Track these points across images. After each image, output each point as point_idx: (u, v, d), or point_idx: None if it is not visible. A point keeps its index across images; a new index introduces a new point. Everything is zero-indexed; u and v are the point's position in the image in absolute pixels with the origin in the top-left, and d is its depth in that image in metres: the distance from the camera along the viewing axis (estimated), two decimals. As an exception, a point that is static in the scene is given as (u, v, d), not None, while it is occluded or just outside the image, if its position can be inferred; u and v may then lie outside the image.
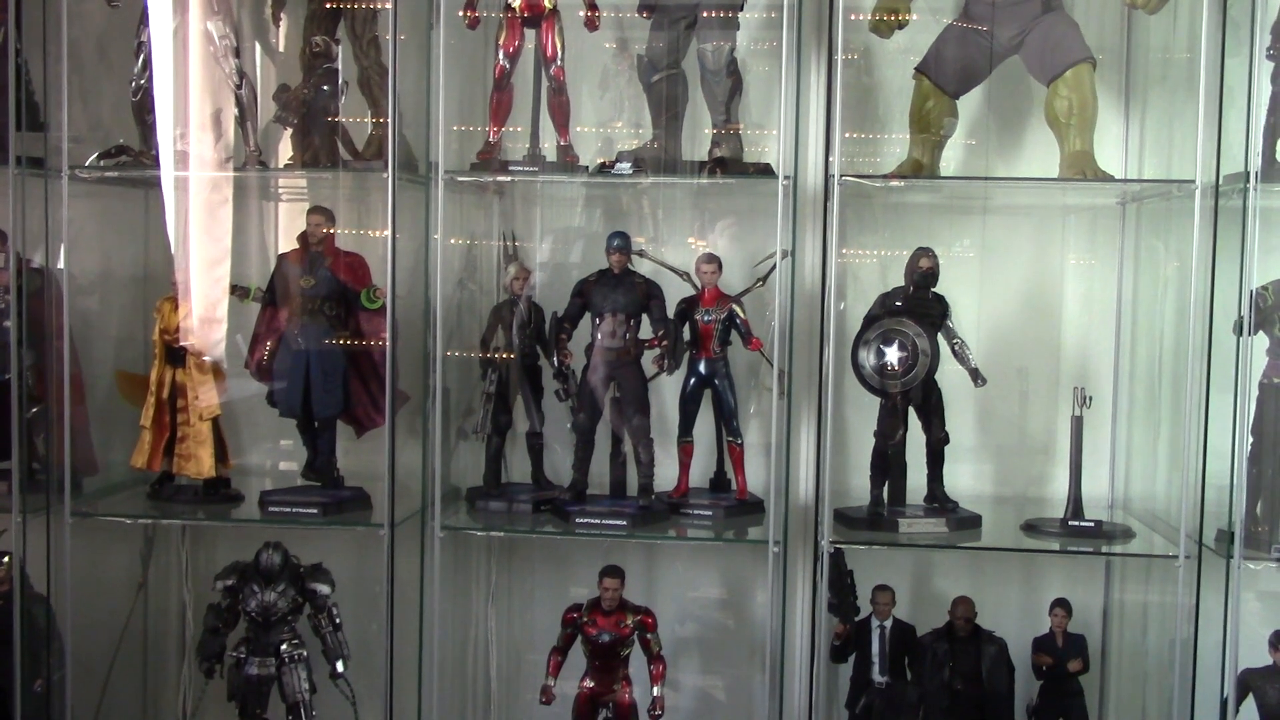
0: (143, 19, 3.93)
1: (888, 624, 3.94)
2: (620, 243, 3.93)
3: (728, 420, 4.03)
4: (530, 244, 4.34)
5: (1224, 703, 3.63)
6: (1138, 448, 4.17)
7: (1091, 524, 3.86)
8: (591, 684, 3.87)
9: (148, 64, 3.93)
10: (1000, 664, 3.84)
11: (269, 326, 3.96)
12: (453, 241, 4.04)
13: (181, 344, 3.92)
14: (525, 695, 4.03)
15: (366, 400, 3.94)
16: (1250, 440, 3.69)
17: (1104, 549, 3.89)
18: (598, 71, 4.24)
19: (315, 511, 3.83)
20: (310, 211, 3.92)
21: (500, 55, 3.93)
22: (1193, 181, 3.56)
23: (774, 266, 3.79)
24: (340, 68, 3.96)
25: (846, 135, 3.90)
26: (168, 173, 3.96)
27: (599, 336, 3.91)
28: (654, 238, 4.24)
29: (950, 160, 4.08)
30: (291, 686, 3.83)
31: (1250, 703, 3.72)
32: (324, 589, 3.87)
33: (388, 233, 3.71)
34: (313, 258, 3.92)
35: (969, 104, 4.07)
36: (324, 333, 3.90)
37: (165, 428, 3.97)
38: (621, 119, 4.23)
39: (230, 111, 3.97)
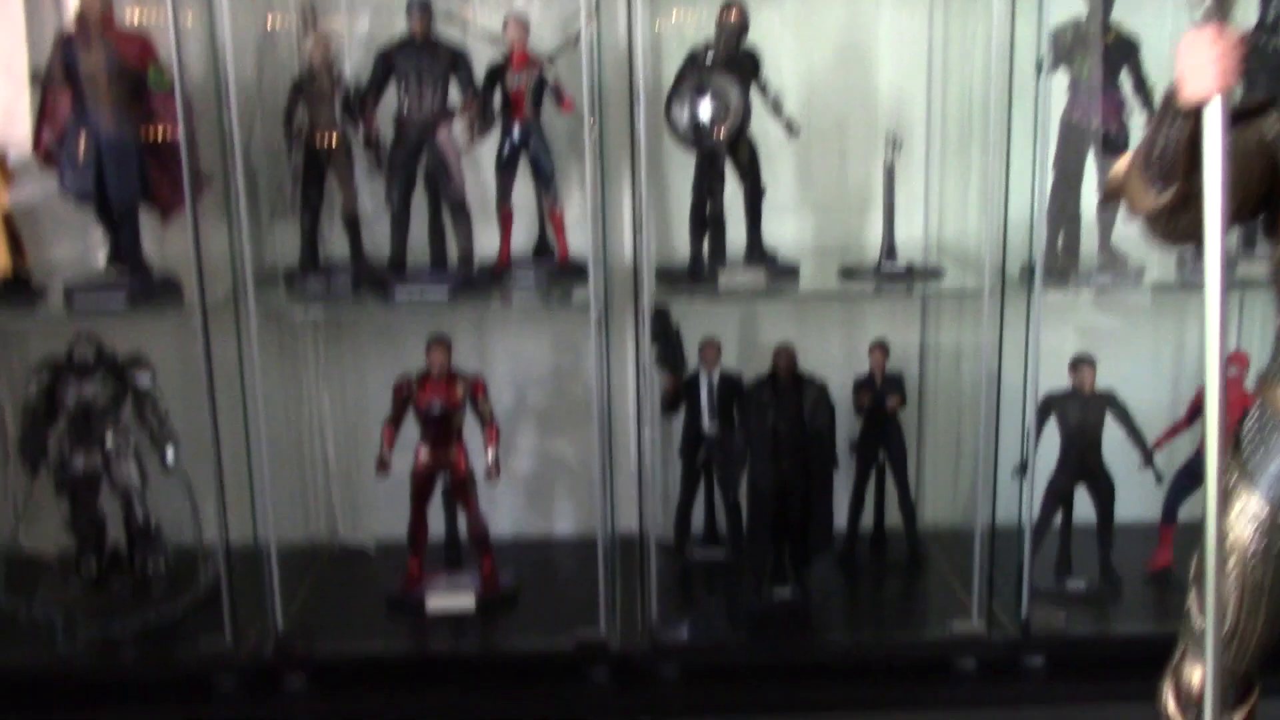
0: None
1: (715, 375, 4.06)
2: (422, 7, 3.78)
3: (545, 185, 3.99)
4: (335, 15, 4.13)
5: (1025, 427, 3.84)
6: (950, 191, 4.27)
7: (904, 266, 3.97)
8: (427, 454, 3.93)
9: None
10: (821, 406, 3.99)
11: (54, 112, 3.73)
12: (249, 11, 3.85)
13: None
14: (364, 470, 4.07)
15: (168, 184, 3.77)
16: (1051, 177, 3.81)
17: (916, 289, 4.02)
18: None
19: (123, 301, 3.71)
20: (85, -14, 3.67)
21: None
22: (991, -83, 3.54)
23: (582, 27, 3.69)
24: None
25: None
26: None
27: (406, 106, 3.80)
28: (462, 1, 4.09)
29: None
30: (120, 478, 3.80)
31: (1053, 424, 3.96)
32: (144, 378, 3.80)
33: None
34: (93, 37, 3.68)
35: None
36: (112, 116, 3.68)
37: (-50, 227, 3.78)
38: None
39: None
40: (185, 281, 3.71)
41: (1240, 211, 1.78)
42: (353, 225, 4.02)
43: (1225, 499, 1.79)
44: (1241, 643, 1.99)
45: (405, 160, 3.83)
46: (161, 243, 3.93)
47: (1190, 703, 2.09)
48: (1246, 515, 1.96)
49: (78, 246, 4.14)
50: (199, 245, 3.57)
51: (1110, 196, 1.89)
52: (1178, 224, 1.79)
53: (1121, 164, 1.85)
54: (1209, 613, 1.44)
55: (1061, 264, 3.88)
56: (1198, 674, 2.05)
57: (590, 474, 3.94)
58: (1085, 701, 3.67)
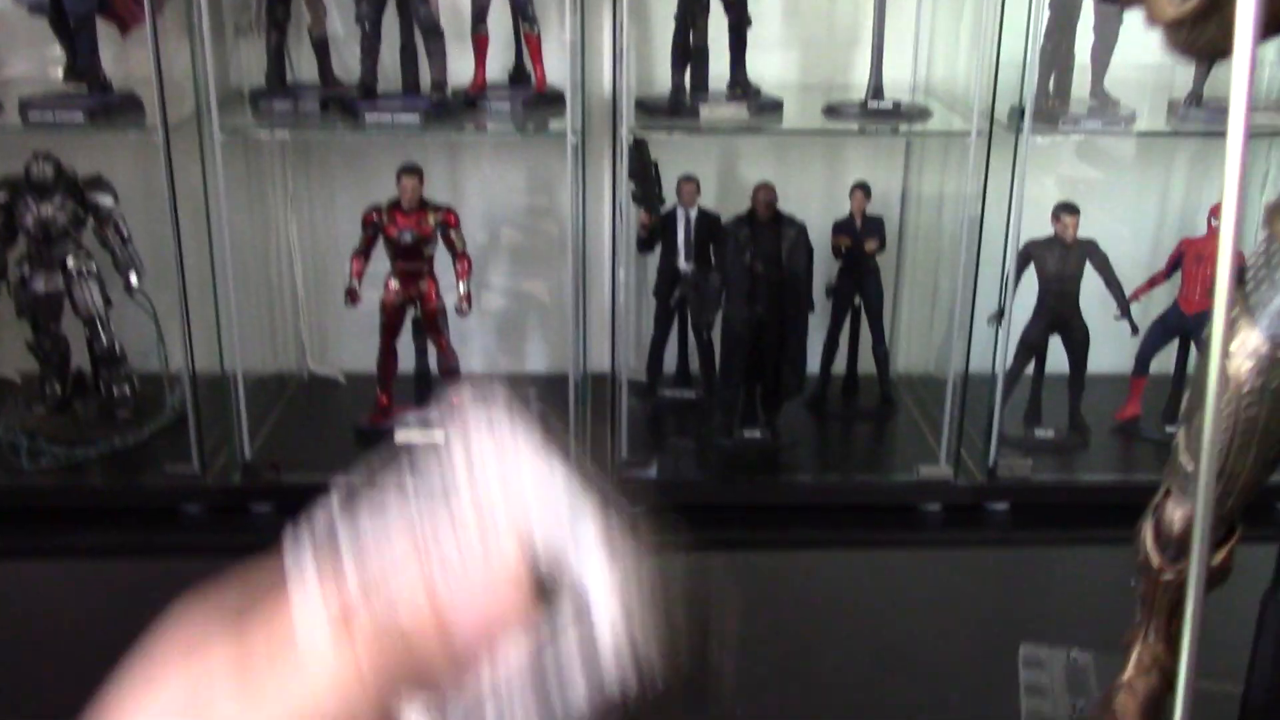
0: None
1: (693, 213, 3.98)
2: None
3: (522, 8, 3.83)
4: None
5: (1004, 274, 3.79)
6: (942, 29, 4.13)
7: (890, 105, 3.86)
8: (397, 286, 3.87)
9: None
10: (800, 246, 3.92)
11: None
12: None
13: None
14: (332, 300, 4.00)
15: (126, -5, 3.62)
16: (1047, 15, 3.68)
17: (901, 129, 3.92)
18: None
19: (81, 117, 3.57)
20: None
21: None
22: None
23: None
24: None
25: None
26: None
27: (373, -84, 3.63)
28: None
29: None
30: (83, 301, 3.72)
31: (1032, 273, 3.92)
32: (106, 200, 3.69)
33: None
34: None
35: None
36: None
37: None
38: None
39: None
40: (146, 99, 3.57)
41: (1270, 25, 1.67)
42: (321, 46, 3.86)
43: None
44: (1228, 483, 1.92)
45: (375, -24, 3.66)
46: (122, 61, 3.78)
47: (1169, 542, 2.05)
48: (1245, 351, 1.85)
49: (34, 61, 3.97)
50: (159, 61, 3.42)
51: (1127, 3, 1.75)
52: (1200, 35, 1.67)
53: (1142, -35, 1.72)
54: (1203, 452, 1.35)
55: (1051, 107, 3.78)
56: (1179, 514, 2.01)
57: (563, 310, 3.89)
58: (1045, 545, 3.73)
